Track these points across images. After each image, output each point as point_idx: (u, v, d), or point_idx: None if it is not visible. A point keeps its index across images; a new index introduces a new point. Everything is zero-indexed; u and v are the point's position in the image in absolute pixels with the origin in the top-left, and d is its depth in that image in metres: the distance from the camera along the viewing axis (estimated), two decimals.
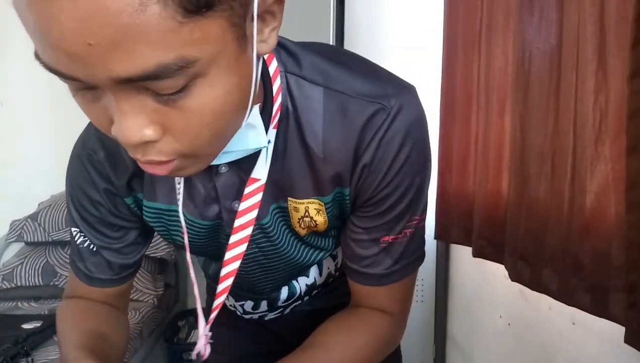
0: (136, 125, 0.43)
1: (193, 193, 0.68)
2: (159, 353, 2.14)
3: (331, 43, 2.08)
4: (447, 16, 1.95)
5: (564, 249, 1.11)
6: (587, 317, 1.09)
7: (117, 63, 0.38)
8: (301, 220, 0.70)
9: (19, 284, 2.09)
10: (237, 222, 0.65)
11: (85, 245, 0.76)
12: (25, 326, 1.64)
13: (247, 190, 0.64)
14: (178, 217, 0.69)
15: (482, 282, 1.87)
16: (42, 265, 2.11)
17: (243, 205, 0.64)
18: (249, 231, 0.66)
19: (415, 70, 2.21)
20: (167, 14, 0.37)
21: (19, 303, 2.04)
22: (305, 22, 2.12)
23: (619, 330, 0.94)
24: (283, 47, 0.67)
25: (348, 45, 2.19)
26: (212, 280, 0.92)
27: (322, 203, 0.68)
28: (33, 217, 2.19)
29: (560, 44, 1.16)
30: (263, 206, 0.66)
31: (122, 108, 0.42)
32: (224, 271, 0.68)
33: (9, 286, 2.09)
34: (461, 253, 2.10)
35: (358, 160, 0.64)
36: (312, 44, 0.72)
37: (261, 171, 0.63)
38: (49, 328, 1.68)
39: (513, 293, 1.58)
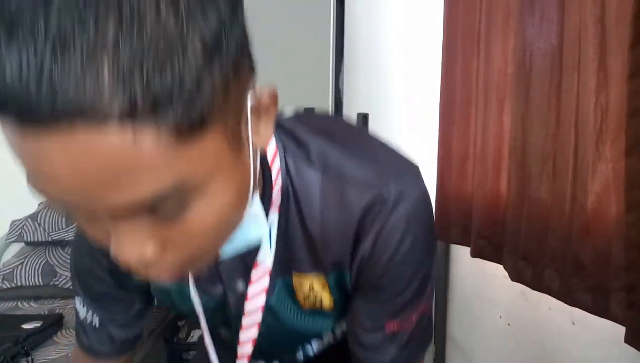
0: (134, 246, 0.40)
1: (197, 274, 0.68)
2: (159, 353, 2.14)
3: (331, 43, 2.08)
4: (447, 16, 1.95)
5: (564, 249, 1.11)
6: (588, 317, 1.10)
7: (113, 196, 0.36)
8: (307, 299, 0.68)
9: (19, 284, 2.09)
10: (247, 308, 0.66)
11: (89, 321, 0.77)
12: (25, 326, 1.64)
13: (253, 274, 0.64)
14: (185, 293, 0.69)
15: (482, 282, 1.87)
16: (42, 265, 2.11)
17: (251, 290, 0.64)
18: (258, 317, 0.66)
19: (415, 70, 2.21)
20: (161, 143, 0.35)
21: (19, 303, 2.03)
22: (305, 22, 2.12)
23: (619, 330, 0.94)
24: (280, 126, 0.66)
25: (348, 46, 2.19)
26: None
27: (325, 281, 0.67)
28: (33, 217, 2.19)
29: (561, 44, 1.16)
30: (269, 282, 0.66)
31: (119, 229, 0.40)
32: (239, 351, 0.69)
33: (8, 286, 2.08)
34: (461, 253, 2.10)
35: (357, 250, 0.62)
36: (310, 117, 0.72)
37: (266, 255, 0.63)
38: (49, 328, 1.68)
39: (513, 293, 1.58)
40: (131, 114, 0.33)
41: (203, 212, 0.41)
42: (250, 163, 0.47)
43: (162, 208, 0.39)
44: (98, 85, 0.31)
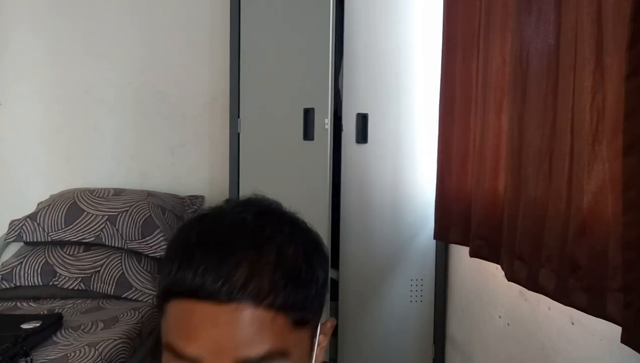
0: None
1: None
2: (159, 353, 2.14)
3: (330, 43, 2.08)
4: (446, 16, 1.95)
5: (560, 249, 1.11)
6: (586, 317, 1.09)
7: (244, 350, 0.54)
8: None
9: (18, 284, 2.08)
10: None
11: None
12: (25, 326, 1.63)
13: None
14: None
15: (482, 282, 1.87)
16: (41, 265, 2.11)
17: None
18: None
19: (415, 70, 2.21)
20: (285, 324, 0.55)
21: (18, 303, 2.03)
22: (305, 22, 2.12)
23: (617, 330, 0.94)
24: None
25: (347, 46, 2.19)
26: None
27: None
28: (32, 216, 2.19)
29: (558, 44, 1.16)
30: None
31: None
32: None
33: (8, 286, 2.09)
34: (460, 254, 2.10)
35: None
36: None
37: None
38: (48, 328, 1.68)
39: (512, 293, 1.58)
40: (276, 307, 0.54)
41: None
42: None
43: None
44: (261, 287, 0.54)
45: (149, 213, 2.19)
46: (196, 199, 2.48)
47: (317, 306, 0.60)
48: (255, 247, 0.55)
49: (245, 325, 0.53)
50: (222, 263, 0.53)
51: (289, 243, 0.58)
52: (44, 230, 2.16)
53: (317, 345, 0.63)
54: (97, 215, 2.17)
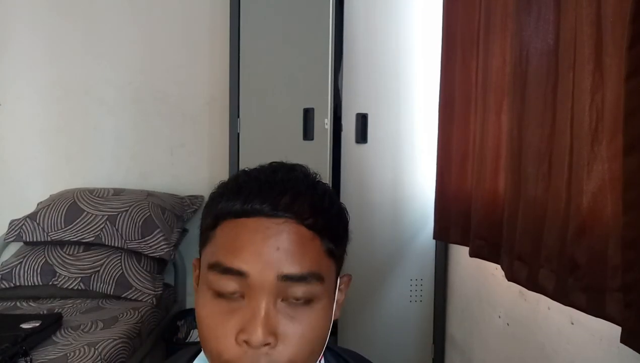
0: (266, 331, 0.57)
1: None
2: (158, 353, 2.14)
3: (330, 43, 2.08)
4: (446, 17, 1.95)
5: (560, 249, 1.11)
6: (586, 317, 1.09)
7: (288, 264, 0.58)
8: None
9: (17, 284, 2.09)
10: None
11: None
12: (24, 326, 1.63)
13: None
14: None
15: (481, 281, 1.87)
16: (40, 264, 2.11)
17: None
18: None
19: (414, 70, 2.21)
20: (321, 248, 0.61)
21: (18, 303, 2.03)
22: (305, 22, 2.12)
23: (617, 330, 0.94)
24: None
25: (347, 46, 2.19)
26: None
27: None
28: (32, 216, 2.19)
29: (558, 44, 1.16)
30: None
31: (262, 312, 0.57)
32: None
33: (7, 286, 2.09)
34: (460, 254, 2.10)
35: None
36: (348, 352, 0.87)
37: None
38: (47, 328, 1.68)
39: (512, 293, 1.58)
40: (316, 229, 0.61)
41: (314, 317, 0.60)
42: (330, 325, 0.65)
43: (300, 295, 0.59)
44: (304, 209, 0.60)
45: (148, 213, 2.19)
46: (196, 199, 2.48)
47: (343, 247, 0.68)
48: (295, 181, 0.62)
49: (289, 239, 0.58)
50: (269, 191, 0.59)
51: (323, 185, 0.66)
52: (43, 230, 2.16)
53: (336, 303, 0.68)
54: (96, 215, 2.17)
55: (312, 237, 0.60)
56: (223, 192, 0.63)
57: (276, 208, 0.59)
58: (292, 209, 0.59)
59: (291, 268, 0.58)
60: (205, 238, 0.63)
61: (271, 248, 0.57)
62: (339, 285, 0.69)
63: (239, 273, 0.57)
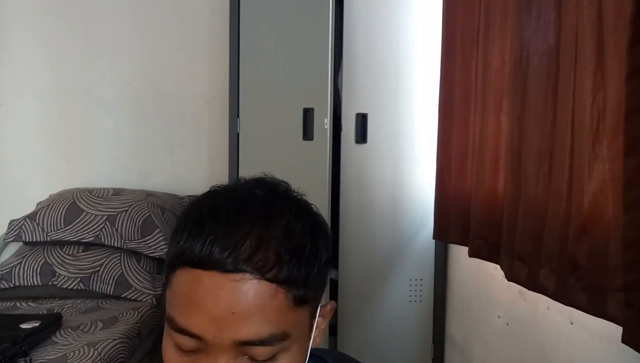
0: None
1: None
2: (158, 353, 2.14)
3: (330, 43, 2.08)
4: (446, 16, 1.95)
5: (561, 249, 1.11)
6: (586, 317, 1.09)
7: (244, 329, 0.53)
8: None
9: (17, 284, 2.08)
10: None
11: None
12: (24, 326, 1.63)
13: None
14: None
15: (481, 281, 1.87)
16: (40, 265, 2.11)
17: None
18: None
19: (414, 70, 2.21)
20: (285, 302, 0.55)
21: (17, 303, 2.03)
22: (305, 22, 2.12)
23: (617, 330, 0.94)
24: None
25: (347, 46, 2.19)
26: None
27: None
28: (31, 216, 2.18)
29: (558, 44, 1.16)
30: None
31: None
32: None
33: (7, 286, 2.08)
34: (460, 253, 2.10)
35: None
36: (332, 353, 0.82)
37: None
38: (47, 328, 1.68)
39: (511, 293, 1.58)
40: (279, 281, 0.54)
41: None
42: (307, 354, 0.62)
43: (261, 354, 0.55)
44: (267, 259, 0.54)
45: (148, 213, 2.19)
46: None
47: (318, 285, 0.60)
48: (263, 221, 0.56)
49: (246, 301, 0.53)
50: (230, 234, 0.54)
51: (296, 221, 0.59)
52: (43, 230, 2.16)
53: (316, 327, 0.63)
54: (96, 215, 2.17)
55: (274, 292, 0.54)
56: (186, 226, 0.57)
57: (236, 260, 0.53)
58: (252, 261, 0.54)
59: (248, 334, 0.53)
60: (167, 276, 0.59)
61: (225, 312, 0.53)
62: (320, 313, 0.64)
63: (193, 335, 0.54)
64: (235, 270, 0.53)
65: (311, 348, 0.73)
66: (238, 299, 0.53)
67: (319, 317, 0.64)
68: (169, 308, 0.57)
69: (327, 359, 0.77)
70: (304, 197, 0.65)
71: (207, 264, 0.54)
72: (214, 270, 0.53)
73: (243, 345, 0.54)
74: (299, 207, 0.62)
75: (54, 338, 1.69)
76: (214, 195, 0.61)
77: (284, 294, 0.55)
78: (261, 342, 0.54)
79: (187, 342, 0.55)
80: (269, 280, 0.54)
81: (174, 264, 0.57)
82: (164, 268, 0.60)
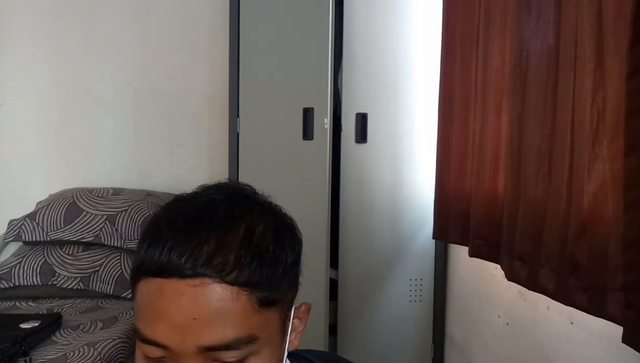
0: None
1: None
2: None
3: (330, 43, 2.08)
4: (445, 16, 1.95)
5: (561, 249, 1.11)
6: (586, 317, 1.10)
7: (207, 335, 0.53)
8: None
9: (17, 284, 2.08)
10: None
11: None
12: (24, 326, 1.63)
13: None
14: None
15: (481, 281, 1.87)
16: (40, 264, 2.11)
17: None
18: None
19: (414, 70, 2.21)
20: (249, 304, 0.54)
21: (17, 303, 2.03)
22: (305, 22, 2.12)
23: (617, 330, 0.94)
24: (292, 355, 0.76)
25: (347, 46, 2.19)
26: None
27: None
28: (31, 216, 2.18)
29: (558, 44, 1.16)
30: None
31: None
32: None
33: (7, 285, 2.08)
34: (460, 253, 2.10)
35: None
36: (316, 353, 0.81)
37: None
38: (47, 328, 1.68)
39: (511, 293, 1.58)
40: (240, 284, 0.53)
41: None
42: (284, 357, 0.62)
43: (229, 358, 0.54)
44: (226, 262, 0.53)
45: (148, 213, 2.19)
46: None
47: (285, 286, 0.59)
48: (222, 225, 0.56)
49: (207, 306, 0.52)
50: (188, 241, 0.54)
51: (257, 223, 0.58)
52: (43, 230, 2.16)
53: (291, 329, 0.63)
54: (96, 214, 2.17)
55: (236, 295, 0.53)
56: (146, 236, 0.57)
57: (194, 265, 0.52)
58: (210, 264, 0.53)
59: (212, 340, 0.53)
60: (132, 288, 0.59)
61: (187, 319, 0.52)
62: (295, 315, 0.64)
63: (158, 345, 0.54)
64: (194, 274, 0.52)
65: (298, 350, 0.72)
66: (199, 304, 0.52)
67: (293, 318, 0.63)
68: (135, 319, 0.57)
69: (314, 360, 0.76)
70: (268, 199, 0.64)
71: (165, 271, 0.53)
72: (173, 277, 0.53)
73: (208, 350, 0.53)
74: (263, 209, 0.61)
75: (53, 338, 1.69)
76: (175, 205, 0.60)
77: (247, 296, 0.54)
78: (227, 347, 0.53)
79: (154, 351, 0.55)
80: (230, 283, 0.53)
81: (136, 275, 0.57)
82: (129, 281, 0.60)
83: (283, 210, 0.64)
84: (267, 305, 0.56)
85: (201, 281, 0.53)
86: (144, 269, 0.55)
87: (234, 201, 0.60)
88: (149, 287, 0.55)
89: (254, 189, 0.64)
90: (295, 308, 0.63)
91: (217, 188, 0.61)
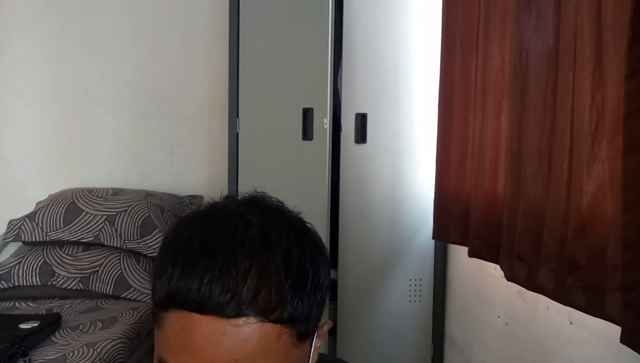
0: None
1: None
2: None
3: (329, 43, 2.08)
4: (445, 17, 1.95)
5: (560, 249, 1.11)
6: (585, 317, 1.10)
7: None
8: None
9: (16, 284, 2.08)
10: None
11: None
12: (23, 326, 1.63)
13: None
14: None
15: (480, 281, 1.87)
16: (39, 264, 2.11)
17: None
18: None
19: (414, 70, 2.21)
20: (290, 340, 0.53)
21: (17, 303, 2.03)
22: (304, 22, 2.12)
23: (616, 330, 0.94)
24: None
25: (346, 46, 2.19)
26: None
27: None
28: (31, 216, 2.18)
29: (558, 44, 1.16)
30: None
31: None
32: None
33: (6, 286, 2.08)
34: (459, 253, 2.10)
35: None
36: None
37: None
38: (46, 328, 1.68)
39: (511, 293, 1.58)
40: (283, 321, 0.52)
41: None
42: None
43: None
44: (270, 300, 0.51)
45: (147, 213, 2.19)
46: (195, 199, 2.48)
47: (320, 312, 0.58)
48: (262, 253, 0.52)
49: (252, 342, 0.50)
50: (229, 273, 0.50)
51: (295, 247, 0.55)
52: (42, 230, 2.16)
53: (313, 350, 0.60)
54: (95, 215, 2.17)
55: (278, 333, 0.51)
56: (176, 260, 0.52)
57: (237, 305, 0.49)
58: (254, 303, 0.50)
59: None
60: (155, 315, 0.54)
61: (228, 360, 0.50)
62: (317, 334, 0.61)
63: None
64: (238, 315, 0.49)
65: None
66: (241, 345, 0.50)
67: (316, 338, 0.60)
68: (160, 350, 0.53)
69: None
70: (299, 214, 0.61)
71: (206, 309, 0.50)
72: (212, 314, 0.50)
73: None
74: (297, 230, 0.57)
75: (53, 338, 1.69)
76: (204, 222, 0.56)
77: (288, 333, 0.52)
78: None
79: None
80: (273, 321, 0.51)
81: (166, 305, 0.52)
82: (152, 304, 0.56)
83: (310, 225, 0.61)
84: (305, 337, 0.55)
85: (245, 321, 0.50)
86: (178, 301, 0.51)
87: (269, 222, 0.56)
88: (184, 321, 0.51)
89: (284, 204, 0.61)
90: (318, 326, 0.61)
91: (249, 205, 0.57)
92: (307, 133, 2.12)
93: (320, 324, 0.61)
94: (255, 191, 0.62)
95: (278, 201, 0.61)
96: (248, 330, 0.50)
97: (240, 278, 0.50)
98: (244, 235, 0.53)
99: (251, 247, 0.52)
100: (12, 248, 2.35)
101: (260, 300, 0.50)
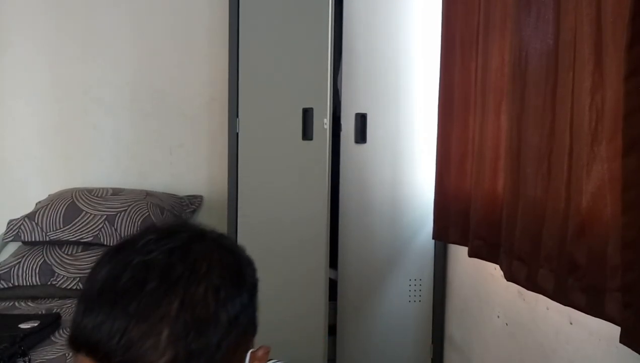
0: None
1: None
2: None
3: (329, 43, 2.08)
4: (445, 17, 1.95)
5: (559, 249, 1.11)
6: (585, 317, 1.10)
7: None
8: None
9: (16, 284, 2.08)
10: None
11: None
12: (23, 326, 1.63)
13: None
14: None
15: (480, 282, 1.87)
16: (39, 264, 2.11)
17: None
18: None
19: (414, 70, 2.21)
20: None
21: (16, 303, 2.03)
22: (304, 22, 2.12)
23: (616, 330, 0.94)
24: None
25: (346, 46, 2.19)
26: None
27: None
28: (30, 216, 2.18)
29: (557, 45, 1.16)
30: None
31: None
32: None
33: (6, 286, 2.08)
34: (459, 253, 2.10)
35: None
36: None
37: None
38: (46, 328, 1.68)
39: (511, 293, 1.58)
40: (177, 361, 0.51)
41: None
42: None
43: None
44: (157, 344, 0.51)
45: (147, 213, 2.19)
46: (195, 199, 2.48)
47: (232, 341, 0.56)
48: (158, 296, 0.53)
49: None
50: (120, 317, 0.51)
51: (198, 284, 0.55)
52: (42, 230, 2.16)
53: None
54: (95, 214, 2.17)
55: None
56: (81, 299, 0.55)
57: (127, 347, 0.51)
58: (143, 345, 0.51)
59: None
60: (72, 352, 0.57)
61: None
62: (251, 360, 0.61)
63: None
64: (125, 359, 0.51)
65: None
66: None
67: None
68: None
69: None
70: (223, 241, 0.61)
71: (98, 352, 0.51)
72: (104, 360, 0.51)
73: None
74: (209, 262, 0.57)
75: (52, 338, 1.69)
76: (112, 261, 0.57)
77: None
78: None
79: None
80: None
81: (72, 346, 0.55)
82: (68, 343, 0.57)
83: (235, 249, 0.61)
84: None
85: None
86: (77, 344, 0.54)
87: (175, 258, 0.56)
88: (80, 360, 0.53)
89: (206, 231, 0.61)
90: (251, 352, 0.61)
91: (163, 240, 0.57)
92: (307, 133, 2.11)
93: (254, 350, 0.61)
94: (183, 220, 0.62)
95: (201, 229, 0.61)
96: None
97: (129, 322, 0.51)
98: (142, 276, 0.54)
99: (146, 291, 0.53)
100: (12, 248, 2.34)
101: (149, 343, 0.51)
